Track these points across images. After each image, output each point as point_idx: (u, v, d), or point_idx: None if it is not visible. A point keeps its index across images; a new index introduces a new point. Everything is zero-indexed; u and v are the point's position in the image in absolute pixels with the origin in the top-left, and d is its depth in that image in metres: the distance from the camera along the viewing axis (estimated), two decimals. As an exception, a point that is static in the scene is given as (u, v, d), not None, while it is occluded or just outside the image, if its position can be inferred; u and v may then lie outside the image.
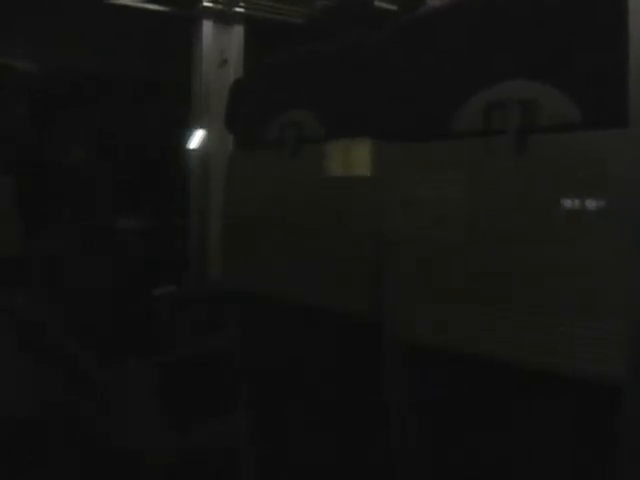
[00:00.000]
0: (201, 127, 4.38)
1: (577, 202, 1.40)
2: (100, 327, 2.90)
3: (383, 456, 1.80)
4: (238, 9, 4.47)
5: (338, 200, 1.91)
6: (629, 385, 1.32)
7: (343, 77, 1.96)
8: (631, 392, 1.32)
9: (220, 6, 4.40)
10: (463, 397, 1.63)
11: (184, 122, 4.47)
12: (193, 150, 4.42)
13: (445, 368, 1.66)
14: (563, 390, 1.42)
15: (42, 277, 3.02)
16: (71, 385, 2.83)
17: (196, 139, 4.40)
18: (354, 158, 1.88)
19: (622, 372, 1.32)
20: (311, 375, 2.06)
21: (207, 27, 4.41)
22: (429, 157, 1.70)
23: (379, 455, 1.82)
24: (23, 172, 3.19)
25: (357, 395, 1.91)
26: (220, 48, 4.45)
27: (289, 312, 2.07)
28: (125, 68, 4.41)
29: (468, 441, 1.63)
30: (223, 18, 4.44)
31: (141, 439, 2.68)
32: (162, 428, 2.70)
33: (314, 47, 2.17)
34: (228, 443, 2.49)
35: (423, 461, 1.74)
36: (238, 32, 4.52)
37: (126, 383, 2.75)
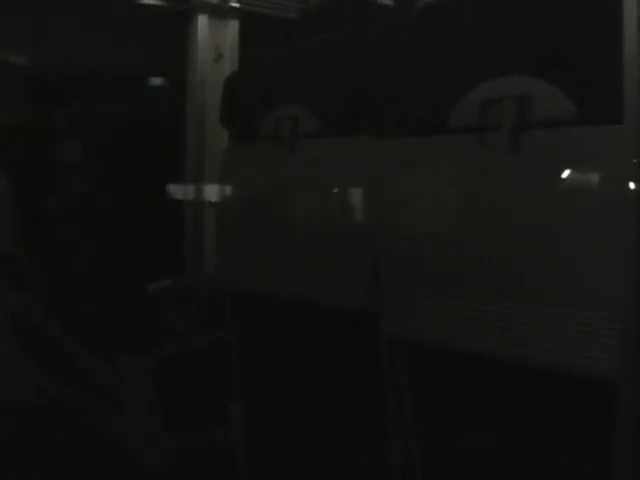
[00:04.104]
0: (196, 121, 4.38)
1: (572, 197, 1.40)
2: (95, 323, 2.90)
3: (382, 455, 1.81)
4: (233, 4, 4.47)
5: (334, 196, 1.91)
6: (621, 382, 1.33)
7: (339, 73, 1.96)
8: (624, 388, 1.33)
9: (215, 1, 4.40)
10: (460, 394, 1.63)
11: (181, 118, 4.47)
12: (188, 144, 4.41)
13: (442, 365, 1.66)
14: (560, 387, 1.43)
15: (38, 274, 3.02)
16: (68, 383, 2.83)
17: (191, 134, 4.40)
18: (350, 153, 1.88)
19: (614, 368, 1.32)
20: (308, 372, 2.07)
21: (202, 21, 4.41)
22: (425, 153, 1.70)
23: (378, 454, 1.82)
24: (20, 169, 3.19)
25: (355, 392, 1.91)
26: (215, 43, 4.45)
27: (285, 308, 2.07)
28: (121, 63, 4.40)
29: (465, 439, 1.63)
30: (218, 13, 4.44)
31: (138, 439, 2.68)
32: (159, 427, 2.70)
33: (310, 42, 2.16)
34: (225, 442, 2.50)
35: (422, 460, 1.74)
36: (233, 27, 4.52)
37: (122, 380, 2.75)
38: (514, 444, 1.54)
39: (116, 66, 4.33)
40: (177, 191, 4.16)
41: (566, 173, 1.42)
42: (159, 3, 4.26)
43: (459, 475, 1.67)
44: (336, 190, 1.91)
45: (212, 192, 4.05)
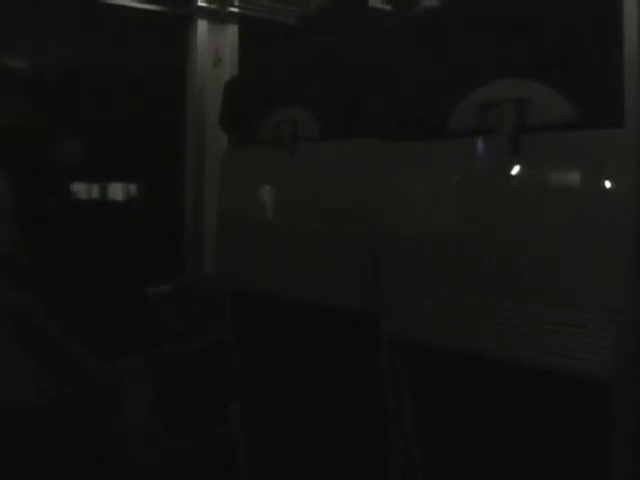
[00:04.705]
0: (197, 122, 4.39)
1: (571, 199, 1.41)
2: (95, 323, 2.90)
3: (382, 455, 1.81)
4: (232, 8, 4.48)
5: (334, 198, 1.92)
6: (619, 382, 1.33)
7: (339, 75, 1.96)
8: (622, 389, 1.33)
9: (214, 5, 4.41)
10: (460, 394, 1.64)
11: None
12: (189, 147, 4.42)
13: (442, 365, 1.66)
14: (560, 387, 1.43)
15: (38, 274, 3.01)
16: (68, 383, 2.82)
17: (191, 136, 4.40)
18: (350, 155, 1.89)
19: (610, 370, 1.33)
20: (308, 372, 2.07)
21: (202, 26, 4.42)
22: (425, 154, 1.71)
23: (378, 454, 1.82)
24: (20, 169, 3.18)
25: (355, 392, 1.91)
26: (215, 47, 4.46)
27: (285, 308, 2.07)
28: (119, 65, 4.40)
29: (465, 439, 1.64)
30: (218, 17, 4.45)
31: (138, 439, 2.67)
32: (159, 427, 2.70)
33: (309, 45, 2.17)
34: (225, 442, 2.49)
35: (422, 460, 1.75)
36: (233, 31, 4.53)
37: (122, 382, 2.74)
38: (514, 444, 1.54)
39: (115, 67, 4.32)
40: (82, 190, 4.10)
41: (566, 175, 1.43)
42: (159, 8, 4.26)
43: (459, 475, 1.68)
44: (336, 191, 1.92)
45: (117, 191, 4.07)
